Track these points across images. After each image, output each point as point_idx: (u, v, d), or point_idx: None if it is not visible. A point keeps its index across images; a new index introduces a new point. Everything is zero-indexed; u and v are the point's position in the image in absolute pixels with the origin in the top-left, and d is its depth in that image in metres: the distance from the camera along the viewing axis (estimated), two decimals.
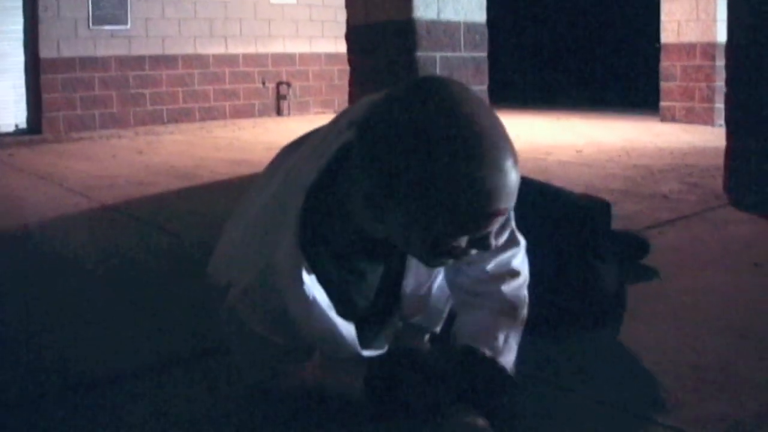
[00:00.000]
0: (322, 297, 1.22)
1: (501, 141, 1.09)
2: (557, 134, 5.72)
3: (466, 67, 4.60)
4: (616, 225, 2.65)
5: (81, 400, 1.46)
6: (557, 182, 3.65)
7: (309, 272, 1.20)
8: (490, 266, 1.41)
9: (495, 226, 1.12)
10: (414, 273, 1.35)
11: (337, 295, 1.24)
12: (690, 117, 5.96)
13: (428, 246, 1.13)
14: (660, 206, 3.04)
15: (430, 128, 1.06)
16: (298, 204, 1.18)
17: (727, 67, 2.98)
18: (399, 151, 1.07)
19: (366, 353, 1.31)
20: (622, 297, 1.88)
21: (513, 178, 1.08)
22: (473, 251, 1.16)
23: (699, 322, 1.76)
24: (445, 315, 1.51)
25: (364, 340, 1.31)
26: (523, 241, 1.44)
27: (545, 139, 5.41)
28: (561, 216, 1.87)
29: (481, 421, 1.26)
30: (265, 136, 6.18)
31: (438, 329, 1.52)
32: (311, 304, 1.20)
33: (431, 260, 1.19)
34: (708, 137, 5.26)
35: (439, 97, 1.10)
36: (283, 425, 1.33)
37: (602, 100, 8.11)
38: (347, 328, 1.27)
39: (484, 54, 4.68)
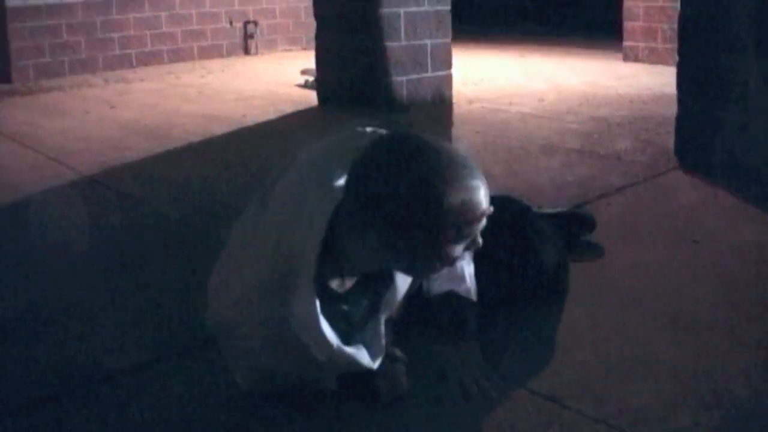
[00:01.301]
0: (338, 339, 1.43)
1: (468, 163, 1.36)
2: (520, 77, 5.83)
3: (429, 21, 4.71)
4: (570, 192, 2.86)
5: (81, 398, 1.64)
6: (517, 138, 3.83)
7: (325, 324, 1.40)
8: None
9: (480, 228, 1.38)
10: (394, 292, 1.57)
11: (337, 326, 1.45)
12: (652, 58, 6.09)
13: (433, 260, 1.39)
14: (612, 169, 3.23)
15: (413, 173, 1.31)
16: (311, 271, 1.36)
17: (679, 36, 3.12)
18: (397, 203, 1.31)
19: (375, 365, 1.53)
20: (563, 277, 2.08)
21: (483, 188, 1.36)
22: (464, 254, 1.44)
23: (633, 306, 1.96)
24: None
25: (371, 354, 1.53)
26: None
27: (508, 84, 5.53)
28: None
29: (473, 348, 1.67)
30: (234, 83, 6.22)
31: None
32: (334, 350, 1.42)
33: (430, 273, 1.53)
34: (668, 80, 5.33)
35: (406, 145, 1.35)
36: (284, 414, 1.52)
37: (566, 28, 8.26)
38: (362, 355, 1.49)
39: (447, 7, 4.79)
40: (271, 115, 4.77)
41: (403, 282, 1.57)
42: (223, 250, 1.54)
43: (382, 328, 1.58)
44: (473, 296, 1.72)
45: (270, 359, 1.48)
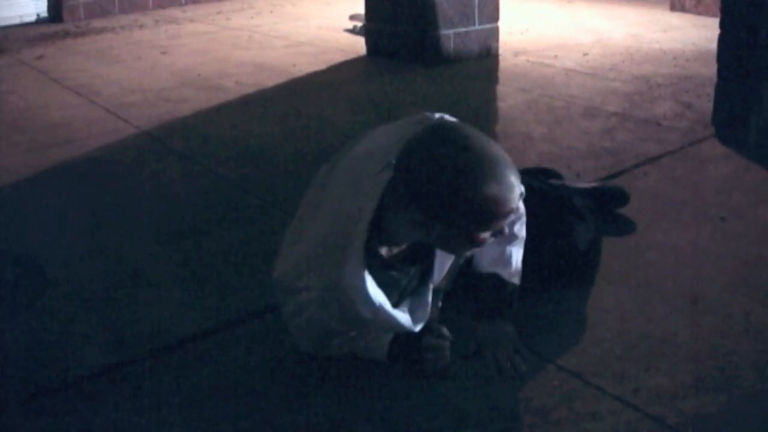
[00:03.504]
0: (383, 299, 1.63)
1: (505, 162, 1.50)
2: (565, 27, 5.85)
3: None
4: (607, 161, 2.98)
5: (152, 364, 1.85)
6: (560, 98, 3.92)
7: (371, 283, 1.60)
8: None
9: (507, 222, 1.57)
10: (438, 264, 1.77)
11: (388, 290, 1.66)
12: (699, 8, 6.04)
13: (464, 243, 1.58)
14: (650, 136, 3.32)
15: (453, 163, 1.47)
16: (362, 236, 1.57)
17: (722, 9, 3.16)
18: (435, 186, 1.47)
19: (417, 327, 1.75)
20: (596, 255, 2.23)
21: (516, 188, 1.51)
22: (492, 238, 1.60)
23: (657, 286, 2.11)
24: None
25: (414, 318, 1.74)
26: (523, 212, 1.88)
27: (554, 35, 5.56)
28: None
29: (508, 326, 1.84)
30: (283, 26, 6.33)
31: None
32: (377, 308, 1.62)
33: (462, 252, 1.69)
34: (713, 35, 5.33)
35: (453, 136, 1.52)
36: (336, 383, 1.72)
37: None
38: (404, 317, 1.70)
39: None
40: (321, 64, 4.90)
41: (445, 256, 1.76)
42: (294, 217, 1.76)
43: (429, 296, 1.77)
44: (517, 281, 1.89)
45: (325, 313, 1.66)
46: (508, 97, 4.03)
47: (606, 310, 2.01)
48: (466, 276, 1.93)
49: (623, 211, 2.52)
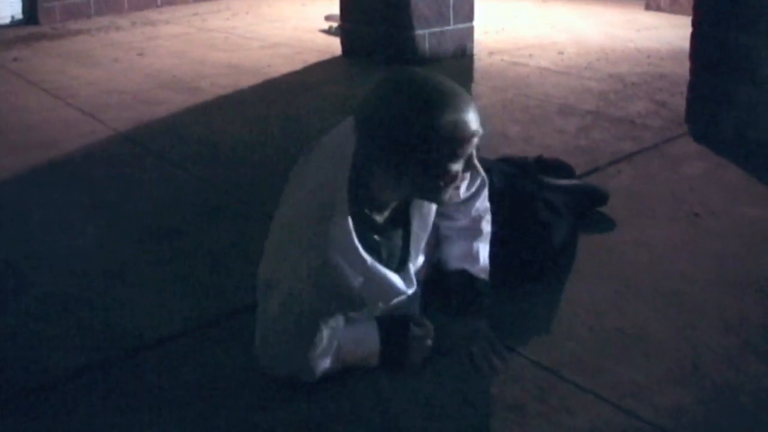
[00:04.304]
0: (372, 258, 1.65)
1: (459, 90, 1.58)
2: (541, 26, 5.88)
3: None
4: (582, 158, 3.01)
5: (130, 364, 1.85)
6: (535, 97, 3.95)
7: (359, 242, 1.62)
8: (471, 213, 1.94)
9: (473, 147, 1.60)
10: (417, 227, 1.80)
11: (376, 256, 1.68)
12: (674, 8, 6.10)
13: (436, 179, 1.60)
14: (625, 135, 3.35)
15: (408, 98, 1.53)
16: (344, 197, 1.60)
17: (695, 8, 3.20)
18: (396, 123, 1.52)
19: (410, 291, 1.78)
20: (572, 251, 2.26)
21: (474, 113, 1.57)
22: (465, 174, 1.66)
23: (631, 283, 2.13)
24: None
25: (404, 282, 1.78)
26: (485, 179, 1.93)
27: (529, 34, 5.59)
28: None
29: (482, 323, 1.85)
30: (259, 27, 6.32)
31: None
32: (368, 266, 1.64)
33: (440, 195, 1.65)
34: (688, 34, 5.41)
35: (405, 77, 1.59)
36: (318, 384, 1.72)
37: None
38: (394, 277, 1.72)
39: None
40: (297, 65, 4.90)
41: (422, 222, 1.80)
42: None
43: (412, 272, 1.81)
44: (485, 276, 1.91)
45: (313, 293, 1.62)
46: (483, 96, 4.05)
47: (581, 306, 2.03)
48: (437, 273, 1.95)
49: (599, 208, 2.54)
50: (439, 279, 1.95)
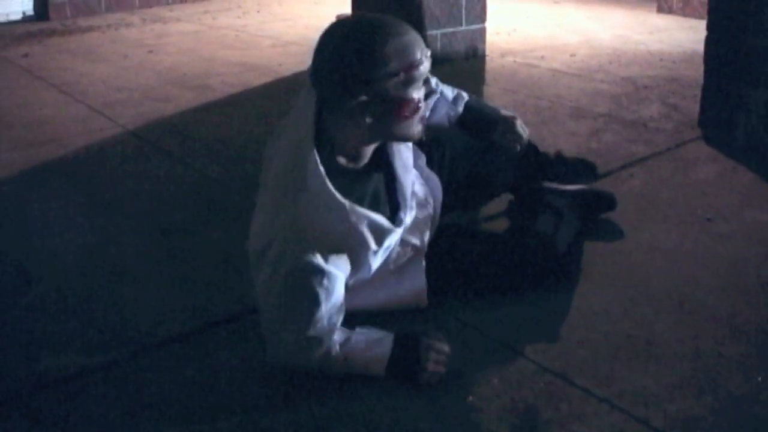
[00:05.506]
0: (349, 201, 1.65)
1: (400, 23, 1.64)
2: (552, 27, 5.86)
3: None
4: (594, 161, 2.97)
5: (137, 364, 1.83)
6: (547, 99, 3.92)
7: (336, 190, 1.63)
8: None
9: (423, 73, 1.64)
10: (399, 170, 1.82)
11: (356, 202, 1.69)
12: (686, 10, 6.06)
13: (403, 115, 1.63)
14: (637, 138, 3.32)
15: (354, 36, 1.59)
16: (311, 149, 1.62)
17: (709, 11, 3.17)
18: (349, 58, 1.57)
19: (398, 229, 1.79)
20: (577, 256, 2.22)
21: (415, 37, 1.63)
22: (428, 103, 1.86)
23: (643, 288, 2.10)
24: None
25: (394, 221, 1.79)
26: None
27: (541, 35, 5.57)
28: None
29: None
30: (270, 26, 6.31)
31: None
32: (348, 210, 1.64)
33: (410, 129, 1.69)
34: (700, 36, 5.37)
35: (344, 23, 1.66)
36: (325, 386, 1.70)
37: None
38: (377, 216, 1.72)
39: None
40: (307, 64, 4.85)
41: (403, 165, 1.83)
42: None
43: (408, 218, 1.83)
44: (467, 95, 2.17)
45: (314, 249, 1.61)
46: (494, 97, 4.02)
47: (592, 312, 2.00)
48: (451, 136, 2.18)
49: (608, 213, 2.51)
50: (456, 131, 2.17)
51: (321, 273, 1.62)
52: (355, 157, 1.72)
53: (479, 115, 2.18)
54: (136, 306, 2.08)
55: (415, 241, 1.90)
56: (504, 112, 2.21)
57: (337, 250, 1.66)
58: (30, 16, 6.90)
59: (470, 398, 1.67)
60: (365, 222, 1.68)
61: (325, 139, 1.66)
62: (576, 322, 1.96)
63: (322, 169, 1.61)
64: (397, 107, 1.62)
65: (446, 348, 1.73)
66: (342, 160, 1.70)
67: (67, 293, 2.16)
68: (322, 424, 1.60)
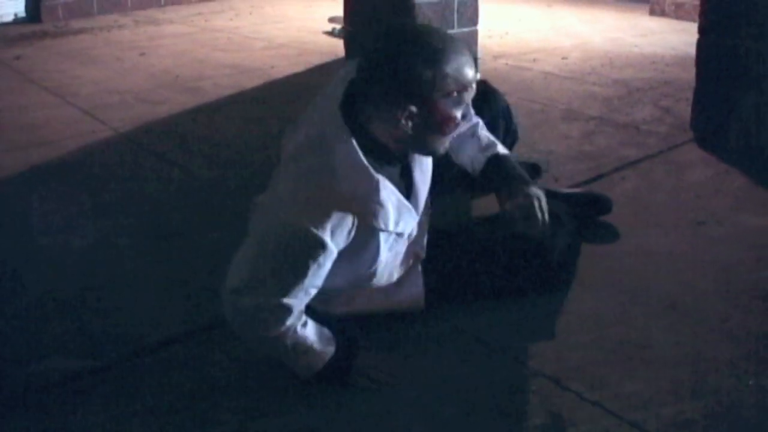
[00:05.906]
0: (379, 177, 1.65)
1: (460, 43, 1.63)
2: (545, 30, 5.86)
3: None
4: (586, 165, 2.98)
5: (130, 369, 1.83)
6: (539, 102, 3.92)
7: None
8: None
9: (471, 96, 1.65)
10: (419, 180, 1.83)
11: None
12: (679, 13, 6.07)
13: (437, 130, 1.64)
14: (629, 141, 3.33)
15: (414, 45, 1.57)
16: (343, 128, 1.64)
17: (701, 14, 3.18)
18: (404, 65, 1.56)
19: (417, 218, 1.80)
20: (573, 260, 2.22)
21: (472, 60, 1.63)
22: (462, 122, 1.79)
23: (636, 292, 2.10)
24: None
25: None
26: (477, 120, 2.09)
27: (533, 38, 5.57)
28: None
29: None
30: (262, 28, 6.30)
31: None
32: (377, 182, 1.63)
33: (439, 144, 1.70)
34: (693, 39, 5.36)
35: (406, 29, 1.66)
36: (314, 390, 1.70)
37: None
38: (403, 199, 1.72)
39: None
40: (300, 67, 4.87)
41: (422, 173, 1.83)
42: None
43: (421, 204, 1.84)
44: (506, 149, 2.09)
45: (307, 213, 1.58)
46: None
47: (584, 316, 2.00)
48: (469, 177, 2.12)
49: (603, 216, 2.52)
50: (473, 177, 2.10)
51: (322, 247, 1.57)
52: (380, 153, 1.69)
53: (499, 176, 2.02)
54: (129, 309, 2.07)
55: (419, 248, 1.91)
56: (530, 188, 1.94)
57: (347, 225, 1.61)
58: (22, 18, 6.88)
59: (463, 403, 1.67)
60: (393, 196, 1.68)
61: (356, 127, 1.65)
62: (568, 326, 1.96)
63: (354, 142, 1.62)
64: (441, 123, 1.63)
65: (384, 368, 1.75)
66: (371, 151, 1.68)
67: (61, 296, 2.15)
68: (312, 429, 1.60)
